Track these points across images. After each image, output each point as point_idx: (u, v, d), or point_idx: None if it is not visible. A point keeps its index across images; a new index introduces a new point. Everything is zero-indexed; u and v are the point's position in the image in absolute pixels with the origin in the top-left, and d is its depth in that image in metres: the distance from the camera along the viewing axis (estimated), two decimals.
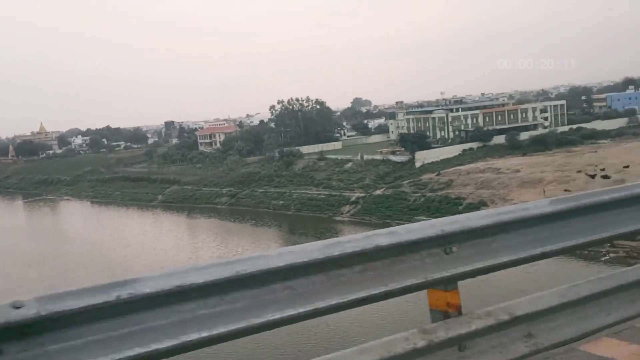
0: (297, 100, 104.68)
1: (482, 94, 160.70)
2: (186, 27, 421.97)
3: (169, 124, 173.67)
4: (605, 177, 60.75)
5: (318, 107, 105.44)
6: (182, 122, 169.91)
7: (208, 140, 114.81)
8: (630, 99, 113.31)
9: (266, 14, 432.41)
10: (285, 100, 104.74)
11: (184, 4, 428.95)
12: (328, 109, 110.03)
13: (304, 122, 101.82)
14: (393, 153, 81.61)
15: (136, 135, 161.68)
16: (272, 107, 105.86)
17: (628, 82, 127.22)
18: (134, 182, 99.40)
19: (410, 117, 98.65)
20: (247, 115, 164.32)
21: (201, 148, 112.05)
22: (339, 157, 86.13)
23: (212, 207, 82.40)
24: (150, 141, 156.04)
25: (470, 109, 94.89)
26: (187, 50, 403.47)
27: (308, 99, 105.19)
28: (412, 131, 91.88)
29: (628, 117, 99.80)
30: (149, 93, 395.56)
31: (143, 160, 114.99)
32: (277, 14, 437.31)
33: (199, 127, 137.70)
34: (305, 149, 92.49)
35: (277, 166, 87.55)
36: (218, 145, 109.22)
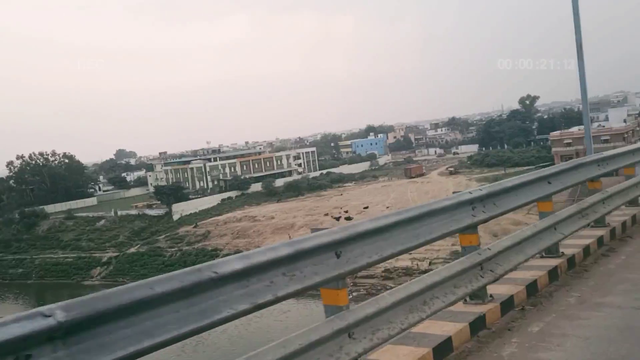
0: (42, 154, 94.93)
1: (247, 143, 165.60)
2: None
3: None
4: (348, 218, 65.45)
5: (66, 161, 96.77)
6: None
7: None
8: (371, 144, 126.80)
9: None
10: (27, 155, 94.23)
11: None
12: (79, 162, 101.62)
13: (50, 178, 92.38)
14: (149, 207, 78.07)
15: None
16: (10, 163, 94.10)
17: (370, 129, 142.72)
18: None
19: (169, 168, 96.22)
20: None
21: None
22: (91, 214, 79.63)
23: None
24: None
25: (228, 158, 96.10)
26: None
27: (54, 153, 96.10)
28: (171, 182, 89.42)
29: (370, 160, 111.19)
30: None
31: None
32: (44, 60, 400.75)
33: None
34: (52, 208, 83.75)
35: (16, 229, 77.48)
36: None
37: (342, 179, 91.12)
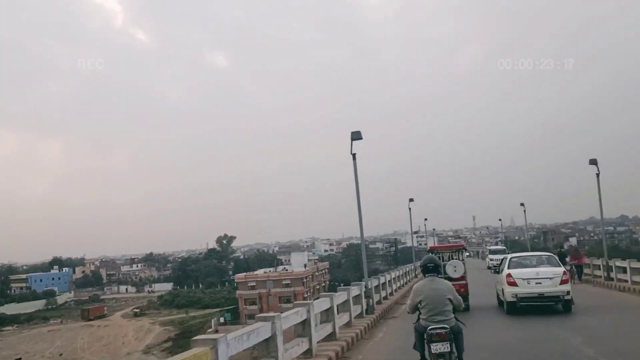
0: None
1: None
2: None
3: None
4: None
5: None
6: None
7: None
8: (53, 279, 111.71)
9: None
10: None
11: None
12: None
13: None
14: None
15: None
16: None
17: (55, 262, 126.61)
18: None
19: None
20: None
21: None
22: None
23: None
24: None
25: None
26: None
27: None
28: None
29: (47, 298, 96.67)
30: None
31: None
32: None
33: None
34: None
35: None
36: None
37: (2, 322, 76.22)
